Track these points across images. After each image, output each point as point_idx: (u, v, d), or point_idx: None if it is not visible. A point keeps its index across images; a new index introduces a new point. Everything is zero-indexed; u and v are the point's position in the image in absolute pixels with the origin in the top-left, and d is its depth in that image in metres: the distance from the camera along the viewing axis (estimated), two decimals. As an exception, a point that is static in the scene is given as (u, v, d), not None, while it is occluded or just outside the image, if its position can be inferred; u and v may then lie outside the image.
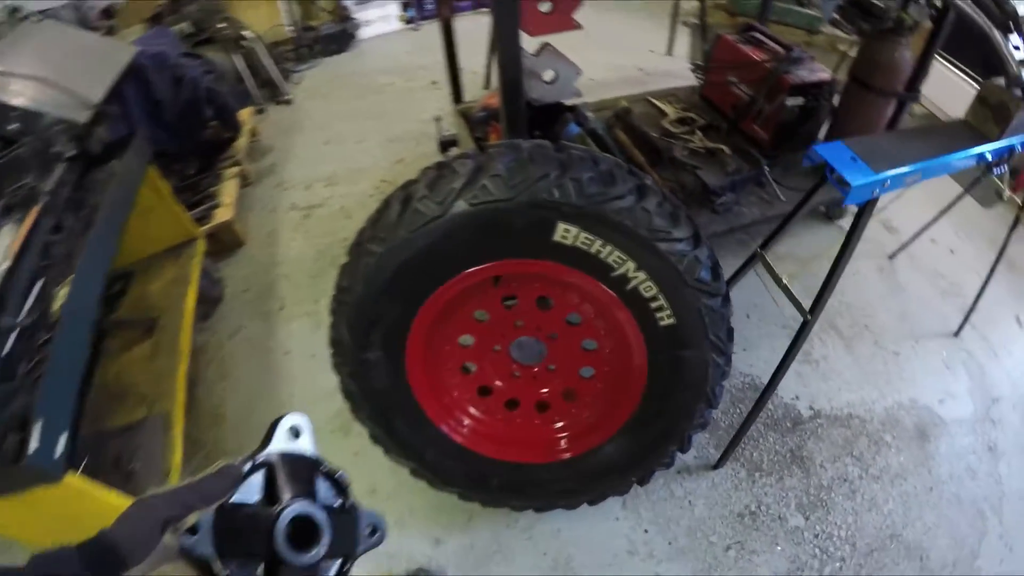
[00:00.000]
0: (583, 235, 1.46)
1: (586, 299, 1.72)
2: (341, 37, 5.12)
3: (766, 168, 2.96)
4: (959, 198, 2.95)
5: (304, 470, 0.64)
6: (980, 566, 2.25)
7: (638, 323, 1.59)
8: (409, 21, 5.47)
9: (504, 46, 1.64)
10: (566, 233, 1.46)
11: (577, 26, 1.75)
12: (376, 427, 1.82)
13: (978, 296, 2.87)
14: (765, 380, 2.65)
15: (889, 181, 1.62)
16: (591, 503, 1.98)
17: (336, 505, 0.66)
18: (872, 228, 3.39)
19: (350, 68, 4.98)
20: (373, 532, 0.68)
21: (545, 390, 1.94)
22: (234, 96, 4.01)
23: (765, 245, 1.91)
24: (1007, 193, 3.54)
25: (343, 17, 5.13)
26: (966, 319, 2.95)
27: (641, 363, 1.67)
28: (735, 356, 1.75)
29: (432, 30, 5.41)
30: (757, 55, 3.07)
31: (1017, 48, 1.78)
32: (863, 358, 2.81)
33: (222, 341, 2.95)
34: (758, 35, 3.21)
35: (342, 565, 0.65)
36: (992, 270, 2.78)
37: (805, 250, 3.23)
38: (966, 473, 2.49)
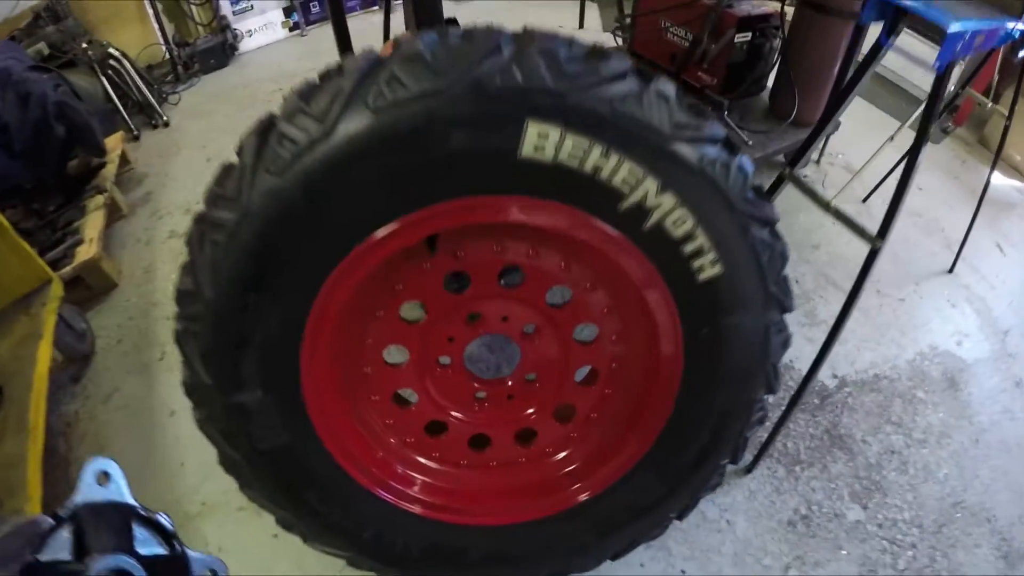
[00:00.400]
0: (570, 141, 0.83)
1: (577, 258, 1.08)
2: (221, 51, 4.31)
3: (727, 112, 2.46)
4: (923, 141, 2.58)
5: (118, 518, 0.55)
6: (1045, 512, 1.88)
7: (665, 281, 0.98)
8: (294, 27, 4.73)
9: None
10: (542, 140, 0.83)
11: None
12: (280, 509, 1.12)
13: (966, 235, 2.56)
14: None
15: (969, 34, 1.10)
16: (615, 557, 1.32)
17: (162, 554, 0.56)
18: (836, 174, 2.99)
19: (233, 81, 4.18)
20: None
21: (530, 411, 1.28)
22: (101, 119, 3.19)
23: (794, 163, 1.35)
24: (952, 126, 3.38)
25: (221, 28, 4.34)
26: (958, 256, 2.62)
27: (672, 344, 1.05)
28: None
29: (320, 34, 4.74)
30: (694, -8, 2.58)
31: None
32: (871, 310, 2.37)
33: (96, 407, 2.19)
34: (688, -27, 2.74)
35: None
36: (978, 207, 2.52)
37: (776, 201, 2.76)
38: (1004, 415, 2.13)
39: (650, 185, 0.88)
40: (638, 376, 1.16)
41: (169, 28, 4.30)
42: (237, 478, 1.10)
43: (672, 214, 0.91)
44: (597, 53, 0.88)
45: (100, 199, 2.82)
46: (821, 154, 3.03)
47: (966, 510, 1.83)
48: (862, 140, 3.09)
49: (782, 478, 1.80)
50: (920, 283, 2.53)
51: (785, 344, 1.10)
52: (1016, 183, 3.25)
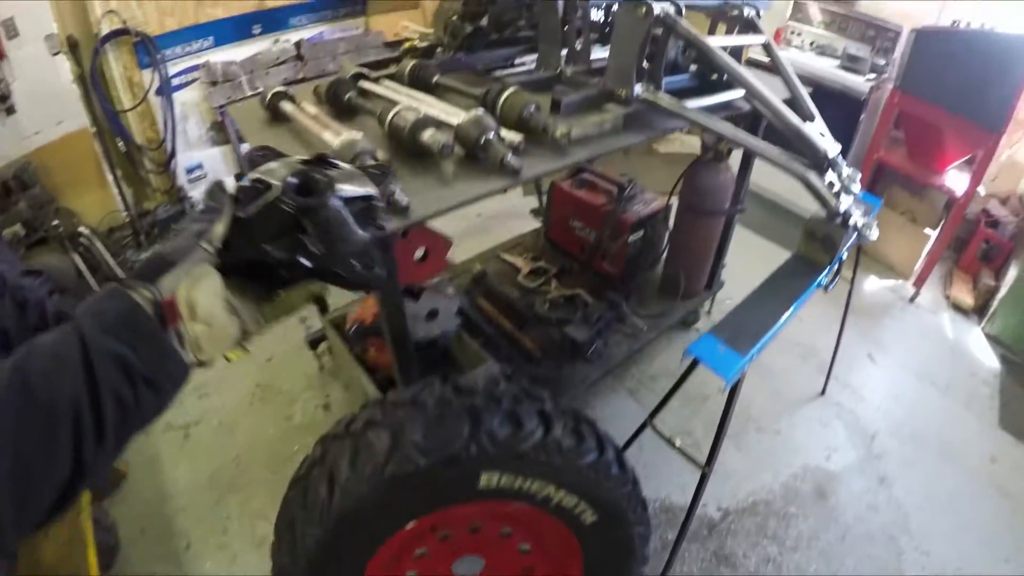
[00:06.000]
0: (505, 477, 1.69)
1: (514, 519, 1.92)
2: (179, 220, 5.05)
3: (624, 307, 3.33)
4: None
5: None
6: (906, 583, 2.52)
7: (567, 526, 1.83)
8: (248, 194, 5.50)
9: (391, 316, 1.85)
10: (489, 480, 1.68)
11: (448, 266, 2.02)
12: None
13: (834, 355, 3.26)
14: (675, 498, 2.89)
15: (754, 354, 1.90)
16: None
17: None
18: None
19: (189, 250, 4.89)
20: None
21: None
22: (74, 295, 3.87)
23: (654, 415, 2.24)
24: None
25: (179, 199, 5.06)
26: (827, 377, 3.37)
27: (575, 551, 1.90)
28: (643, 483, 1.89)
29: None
30: (594, 200, 3.52)
31: (832, 184, 2.06)
32: (751, 448, 3.09)
33: (132, 596, 2.65)
34: (588, 177, 3.70)
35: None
36: (841, 328, 3.17)
37: (672, 362, 3.69)
38: (868, 511, 2.83)
39: (551, 487, 1.74)
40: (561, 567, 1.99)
41: (128, 192, 4.97)
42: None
43: (566, 497, 1.76)
44: (514, 417, 1.73)
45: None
46: (711, 304, 3.96)
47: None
48: (747, 277, 4.00)
49: (678, 598, 2.56)
50: (795, 412, 3.28)
51: (646, 539, 1.95)
52: (889, 282, 4.19)
